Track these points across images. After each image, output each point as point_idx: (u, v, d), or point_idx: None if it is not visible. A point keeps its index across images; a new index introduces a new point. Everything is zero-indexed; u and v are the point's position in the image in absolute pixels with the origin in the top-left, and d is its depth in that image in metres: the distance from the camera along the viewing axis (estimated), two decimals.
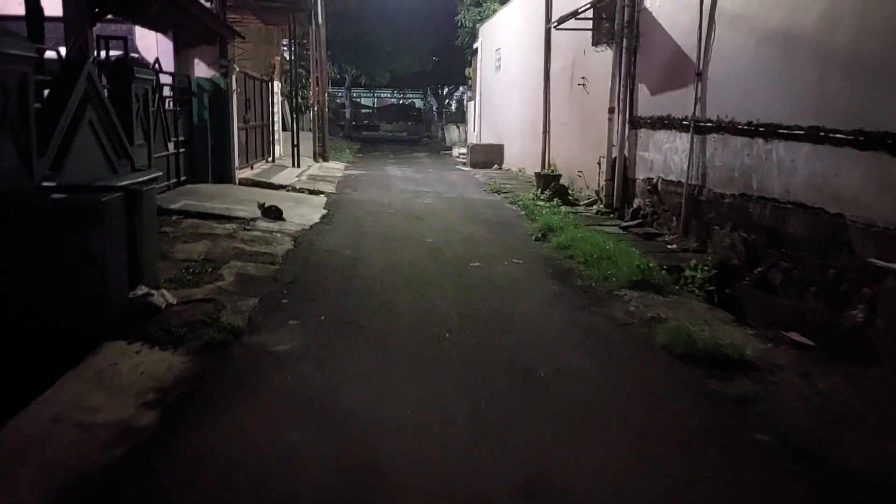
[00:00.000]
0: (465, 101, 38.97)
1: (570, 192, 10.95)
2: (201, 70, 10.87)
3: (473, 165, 17.57)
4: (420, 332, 4.50)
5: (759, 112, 6.13)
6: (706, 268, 5.86)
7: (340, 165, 17.09)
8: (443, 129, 31.12)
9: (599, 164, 10.19)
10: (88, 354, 3.97)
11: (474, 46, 22.29)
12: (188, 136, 10.29)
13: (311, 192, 11.31)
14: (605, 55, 9.98)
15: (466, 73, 25.41)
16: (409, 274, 5.97)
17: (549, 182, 11.52)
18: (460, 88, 39.87)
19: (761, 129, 6.08)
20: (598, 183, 10.25)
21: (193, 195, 9.19)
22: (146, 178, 6.60)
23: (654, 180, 8.41)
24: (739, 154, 6.52)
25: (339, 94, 39.91)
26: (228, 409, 3.35)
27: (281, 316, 4.75)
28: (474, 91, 22.69)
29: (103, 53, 8.02)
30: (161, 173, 7.58)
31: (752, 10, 6.29)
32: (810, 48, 5.41)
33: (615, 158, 9.49)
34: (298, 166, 14.57)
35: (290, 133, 15.14)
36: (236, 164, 11.11)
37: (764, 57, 6.07)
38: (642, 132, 8.83)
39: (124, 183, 4.94)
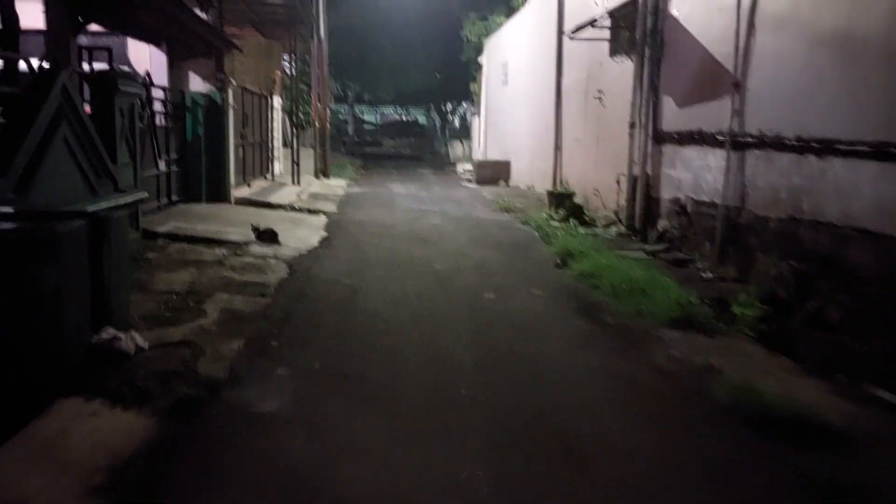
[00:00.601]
0: (468, 117, 38.54)
1: (585, 211, 10.28)
2: (197, 84, 10.29)
3: (480, 182, 16.95)
4: (431, 386, 3.80)
5: (811, 126, 5.47)
6: (758, 304, 5.15)
7: (342, 183, 16.47)
8: (447, 145, 30.60)
9: (618, 182, 9.53)
10: (36, 417, 3.29)
11: (479, 61, 21.78)
12: (181, 154, 9.67)
13: (311, 212, 10.66)
14: (625, 66, 9.36)
15: (471, 89, 24.90)
16: (417, 309, 5.27)
17: (563, 201, 10.86)
18: (463, 104, 39.46)
19: (814, 144, 5.41)
20: (617, 202, 9.58)
21: (184, 216, 8.54)
22: (128, 200, 5.96)
23: (683, 201, 7.74)
24: (787, 173, 5.84)
25: (342, 111, 39.51)
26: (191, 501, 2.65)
27: (268, 363, 4.05)
28: (479, 106, 22.14)
29: (97, 66, 7.44)
30: (146, 194, 6.94)
31: (802, 13, 5.65)
32: (876, 52, 4.76)
33: (636, 176, 8.83)
34: (298, 184, 13.94)
35: (290, 150, 14.54)
36: (232, 182, 10.49)
37: (817, 64, 5.41)
38: (667, 148, 8.18)
39: (94, 208, 4.28)
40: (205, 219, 8.60)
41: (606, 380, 3.98)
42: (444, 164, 25.24)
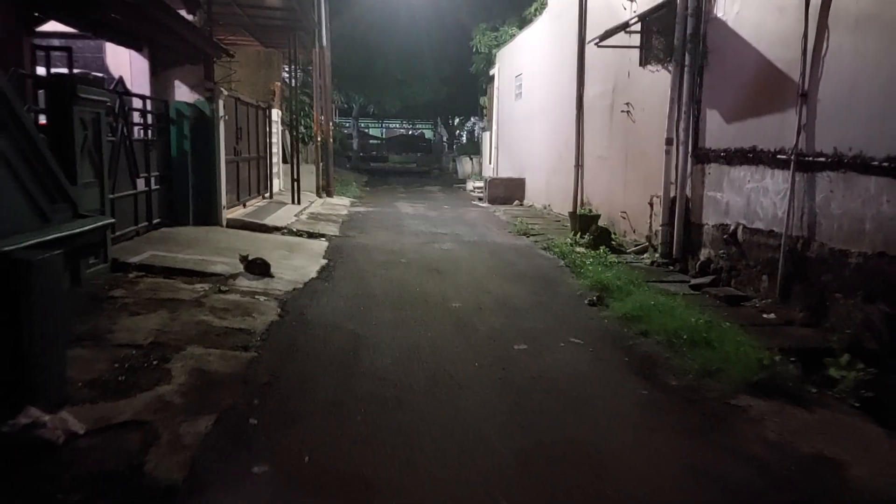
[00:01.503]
0: (477, 132, 37.74)
1: (612, 235, 9.30)
2: (183, 94, 9.41)
3: (492, 201, 16.00)
4: (460, 497, 2.80)
5: None
6: (861, 365, 4.14)
7: (346, 201, 15.55)
8: (454, 161, 29.70)
9: (651, 204, 8.56)
10: None
11: (490, 73, 20.93)
12: (165, 171, 8.75)
13: (311, 236, 9.71)
14: (659, 76, 8.43)
15: (481, 102, 24.06)
16: (434, 369, 4.28)
17: (587, 224, 9.88)
18: (472, 119, 38.72)
19: None
20: (650, 227, 8.60)
21: (164, 243, 7.59)
22: (87, 227, 5.01)
23: (732, 228, 6.75)
24: (874, 199, 4.86)
25: (347, 125, 38.79)
26: None
27: (243, 456, 3.07)
28: (490, 121, 21.26)
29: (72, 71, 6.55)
30: (112, 220, 6.00)
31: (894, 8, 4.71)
32: None
33: (674, 198, 7.86)
34: (298, 203, 13.02)
35: (290, 166, 13.63)
36: (223, 202, 9.56)
37: None
38: (712, 168, 7.21)
39: (9, 247, 3.32)
40: (188, 245, 7.64)
41: (691, 481, 2.98)
42: (452, 181, 24.34)
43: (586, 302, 6.11)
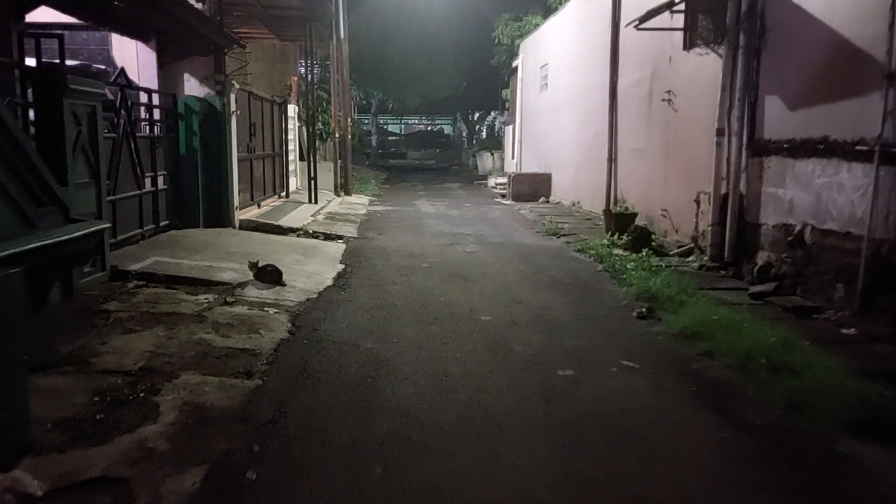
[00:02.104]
0: (497, 126, 36.93)
1: (652, 236, 8.56)
2: (192, 87, 8.86)
3: (516, 198, 15.30)
4: None
5: None
6: None
7: (364, 200, 14.96)
8: (474, 157, 28.99)
9: (698, 202, 7.80)
10: None
11: (513, 65, 20.20)
12: (173, 170, 8.21)
13: (327, 238, 9.11)
14: (706, 61, 7.67)
15: (503, 95, 23.33)
16: (465, 401, 3.63)
17: (624, 223, 9.15)
18: (492, 113, 37.93)
19: None
20: (696, 227, 7.86)
21: (170, 247, 7.05)
22: (79, 233, 4.47)
23: (797, 228, 6.00)
24: None
25: (366, 121, 38.27)
26: None
27: None
28: (513, 114, 20.53)
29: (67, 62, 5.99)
30: (109, 225, 5.46)
31: None
32: None
33: (726, 195, 7.11)
34: (316, 202, 12.45)
35: (307, 163, 13.07)
36: (236, 202, 9.00)
37: None
38: (772, 161, 6.45)
39: None
40: (196, 250, 7.08)
41: None
42: (472, 178, 23.65)
43: (634, 314, 5.41)
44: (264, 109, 11.12)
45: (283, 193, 12.78)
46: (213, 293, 5.52)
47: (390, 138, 42.56)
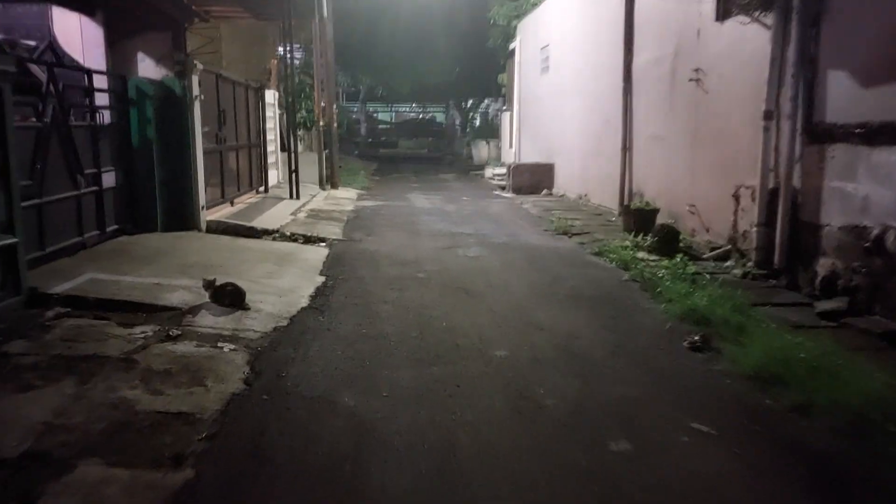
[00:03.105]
0: (492, 113, 35.65)
1: (679, 236, 7.47)
2: (148, 68, 7.67)
3: (516, 191, 14.18)
4: None
5: None
6: None
7: (352, 194, 13.78)
8: (469, 146, 27.80)
9: (737, 196, 6.72)
10: None
11: (510, 47, 18.98)
12: (126, 165, 7.03)
13: (307, 241, 7.97)
14: (747, 31, 6.55)
15: (499, 80, 22.11)
16: (490, 498, 2.53)
17: (645, 221, 8.08)
18: (486, 100, 36.66)
19: None
20: (735, 226, 6.77)
21: (115, 260, 5.88)
22: None
23: (874, 232, 4.92)
24: None
25: (354, 109, 36.94)
26: None
27: None
28: (510, 100, 19.35)
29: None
30: (15, 239, 4.30)
31: None
32: None
33: (775, 190, 6.03)
34: (297, 198, 11.28)
35: (288, 154, 11.87)
36: (202, 201, 7.83)
37: None
38: (837, 149, 5.35)
39: None
40: (147, 261, 5.93)
41: None
42: (468, 168, 22.48)
43: (686, 344, 4.31)
44: (237, 94, 9.91)
45: (262, 188, 11.59)
46: (154, 323, 4.37)
47: (380, 127, 41.29)
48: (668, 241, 7.22)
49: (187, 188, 7.61)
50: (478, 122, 36.24)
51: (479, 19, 22.84)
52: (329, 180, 14.25)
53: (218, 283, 4.84)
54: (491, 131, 26.66)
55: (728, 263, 6.63)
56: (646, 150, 9.30)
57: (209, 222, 7.97)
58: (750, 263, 6.28)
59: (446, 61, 27.49)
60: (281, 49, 15.00)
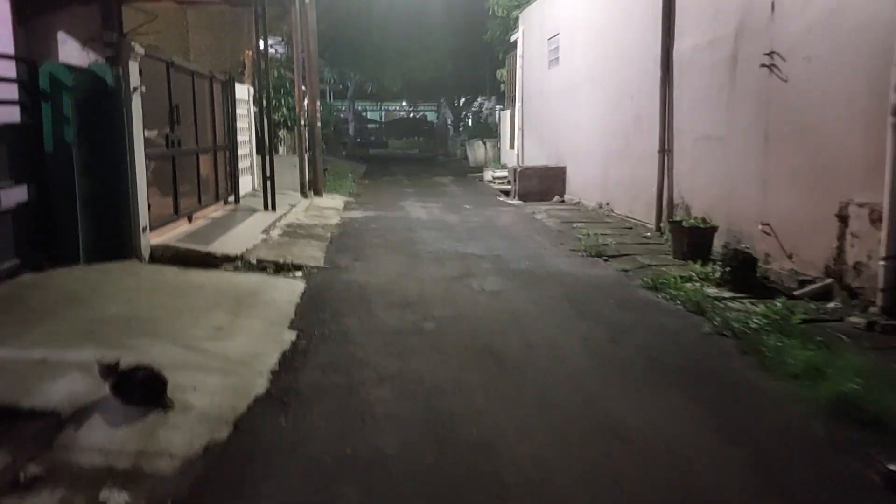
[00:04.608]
0: (485, 113, 34.00)
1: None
2: (71, 52, 5.94)
3: (523, 197, 12.54)
4: None
5: None
6: None
7: (339, 202, 12.08)
8: (464, 146, 26.15)
9: (843, 216, 5.10)
10: None
11: (511, 39, 17.35)
12: (36, 177, 5.31)
13: (280, 269, 6.28)
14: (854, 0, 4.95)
15: (497, 76, 20.47)
16: None
17: (700, 241, 6.53)
18: (479, 98, 35.02)
19: None
20: (840, 254, 5.15)
21: None
22: None
23: None
24: None
25: (342, 108, 35.16)
26: None
27: None
28: (511, 97, 17.73)
29: None
30: None
31: None
32: None
33: None
34: (273, 209, 9.56)
35: (262, 158, 10.15)
36: (144, 221, 6.11)
37: None
38: None
39: None
40: (44, 317, 4.21)
41: None
42: (464, 170, 20.84)
43: (876, 478, 2.66)
44: (198, 88, 8.18)
45: (232, 199, 9.87)
46: (5, 448, 2.68)
47: (369, 126, 39.65)
48: (745, 272, 5.61)
49: (122, 205, 5.90)
50: (470, 122, 34.60)
51: (474, 11, 21.25)
52: (312, 186, 12.54)
53: (125, 367, 3.13)
54: (487, 131, 25.01)
55: (832, 305, 5.02)
56: (693, 152, 7.68)
57: (155, 248, 6.26)
58: (873, 309, 4.67)
59: (439, 57, 25.84)
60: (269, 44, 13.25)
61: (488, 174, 17.04)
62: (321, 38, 15.52)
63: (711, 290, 5.48)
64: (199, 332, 4.19)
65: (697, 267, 6.03)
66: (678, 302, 5.26)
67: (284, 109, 14.56)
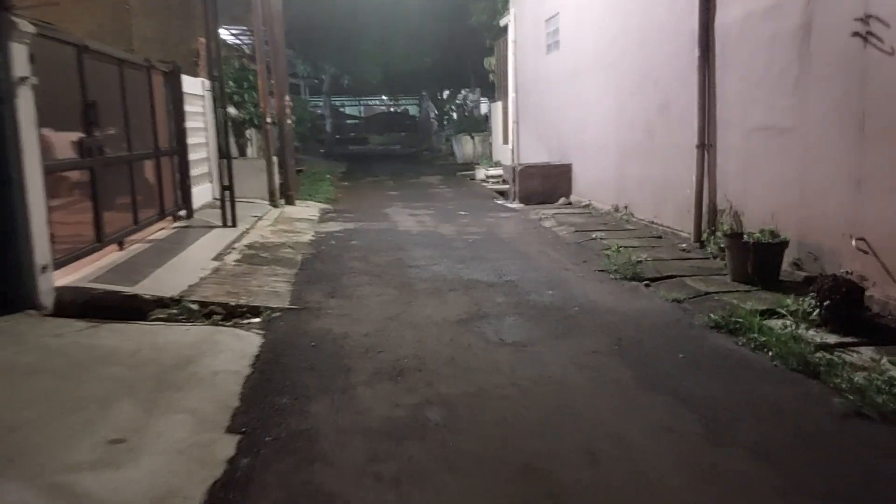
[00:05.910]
0: (470, 106, 32.40)
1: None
2: None
3: (525, 199, 11.10)
4: None
5: None
6: None
7: (314, 211, 10.54)
8: (449, 141, 24.65)
9: None
10: None
11: (501, 24, 15.86)
12: None
13: (230, 315, 4.76)
14: None
15: (485, 65, 18.97)
16: None
17: (768, 259, 5.10)
18: (463, 91, 33.43)
19: None
20: None
21: None
22: None
23: None
24: None
25: (319, 103, 33.44)
26: None
27: None
28: (503, 87, 16.26)
29: None
30: None
31: None
32: None
33: None
34: (233, 225, 8.02)
35: (220, 163, 8.58)
36: (45, 257, 4.55)
37: None
38: None
39: None
40: None
41: None
42: (453, 168, 19.35)
43: None
44: (127, 80, 6.59)
45: (184, 212, 8.28)
46: None
47: (348, 122, 38.02)
48: (850, 307, 4.20)
49: (10, 238, 4.34)
50: (456, 115, 33.05)
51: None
52: (283, 193, 10.98)
53: None
54: (475, 124, 23.52)
55: None
56: (745, 147, 6.25)
57: (62, 291, 4.70)
58: None
59: (420, 45, 24.26)
60: (224, 31, 11.62)
61: (481, 173, 15.58)
62: (291, 27, 13.94)
63: (806, 332, 4.07)
64: (84, 452, 2.68)
65: (787, 300, 4.59)
66: (770, 353, 3.83)
67: (251, 106, 12.95)
